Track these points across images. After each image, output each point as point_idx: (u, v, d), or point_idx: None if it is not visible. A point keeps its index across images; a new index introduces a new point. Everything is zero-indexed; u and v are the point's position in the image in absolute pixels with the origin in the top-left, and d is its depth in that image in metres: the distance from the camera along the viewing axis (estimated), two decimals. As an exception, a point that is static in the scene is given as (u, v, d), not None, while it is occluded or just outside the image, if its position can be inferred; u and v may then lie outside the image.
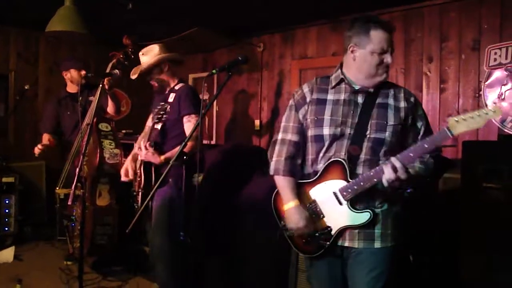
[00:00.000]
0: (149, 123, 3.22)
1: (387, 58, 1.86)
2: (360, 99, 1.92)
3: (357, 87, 1.92)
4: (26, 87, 4.61)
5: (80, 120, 3.65)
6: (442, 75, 3.78)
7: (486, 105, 3.47)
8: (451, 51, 3.72)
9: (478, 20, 3.58)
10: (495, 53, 3.45)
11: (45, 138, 4.22)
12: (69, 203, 3.24)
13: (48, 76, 5.43)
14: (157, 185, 2.37)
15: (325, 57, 4.55)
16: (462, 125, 1.65)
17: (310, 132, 1.97)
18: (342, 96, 1.94)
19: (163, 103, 2.92)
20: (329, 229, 1.92)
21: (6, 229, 4.56)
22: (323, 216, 1.94)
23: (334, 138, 1.90)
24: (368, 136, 1.87)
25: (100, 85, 3.35)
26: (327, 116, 1.92)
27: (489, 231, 2.50)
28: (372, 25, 1.84)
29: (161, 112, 2.84)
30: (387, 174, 1.74)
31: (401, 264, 2.04)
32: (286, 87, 4.93)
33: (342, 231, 1.92)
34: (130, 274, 3.84)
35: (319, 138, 1.94)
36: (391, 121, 1.88)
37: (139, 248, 3.90)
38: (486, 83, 3.50)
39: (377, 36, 1.83)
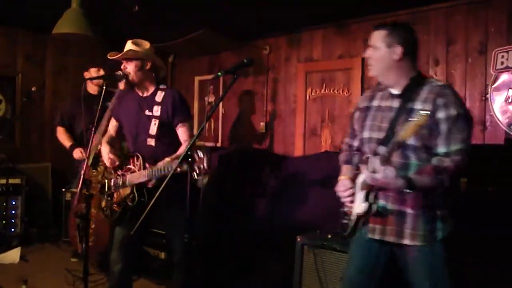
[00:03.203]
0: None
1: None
2: (396, 104, 2.07)
3: (392, 91, 2.10)
4: (33, 89, 4.64)
5: (95, 122, 3.61)
6: (448, 78, 3.76)
7: (493, 109, 3.46)
8: (458, 54, 3.71)
9: (484, 23, 3.56)
10: (502, 56, 3.43)
11: (60, 131, 4.31)
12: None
13: (55, 79, 5.47)
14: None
15: (330, 60, 4.55)
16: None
17: (359, 136, 2.24)
18: (383, 103, 2.13)
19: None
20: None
21: (12, 230, 4.60)
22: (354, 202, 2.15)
23: (370, 141, 2.12)
24: (394, 140, 1.94)
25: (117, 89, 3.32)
26: (368, 122, 2.16)
27: (495, 237, 2.48)
28: None
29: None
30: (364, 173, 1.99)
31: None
32: (292, 90, 4.93)
33: (362, 221, 2.10)
34: (134, 276, 3.84)
35: (362, 141, 2.21)
36: None
37: (143, 250, 3.90)
38: (493, 86, 3.49)
39: None
